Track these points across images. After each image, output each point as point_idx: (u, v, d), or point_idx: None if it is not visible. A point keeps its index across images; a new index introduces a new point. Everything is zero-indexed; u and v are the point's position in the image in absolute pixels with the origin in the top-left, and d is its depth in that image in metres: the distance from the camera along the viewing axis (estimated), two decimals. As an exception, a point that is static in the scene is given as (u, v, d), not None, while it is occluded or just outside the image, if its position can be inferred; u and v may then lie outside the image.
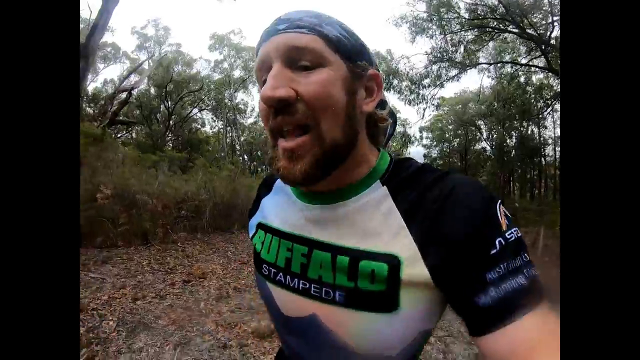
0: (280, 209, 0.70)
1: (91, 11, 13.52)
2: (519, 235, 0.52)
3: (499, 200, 0.54)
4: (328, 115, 0.53)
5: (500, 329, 0.47)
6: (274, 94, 0.51)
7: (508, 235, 0.51)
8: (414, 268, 0.53)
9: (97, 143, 7.78)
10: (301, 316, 0.62)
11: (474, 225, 0.51)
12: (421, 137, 29.92)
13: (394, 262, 0.53)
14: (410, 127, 30.18)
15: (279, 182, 0.75)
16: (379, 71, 0.62)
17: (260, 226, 0.73)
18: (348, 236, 0.58)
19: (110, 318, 3.30)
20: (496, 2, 12.02)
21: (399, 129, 30.50)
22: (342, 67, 0.55)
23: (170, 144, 22.80)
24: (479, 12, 12.45)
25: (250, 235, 0.78)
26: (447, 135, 28.00)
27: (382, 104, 0.66)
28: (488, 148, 25.81)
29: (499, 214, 0.52)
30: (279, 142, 0.55)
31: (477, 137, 26.07)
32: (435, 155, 29.32)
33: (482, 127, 24.66)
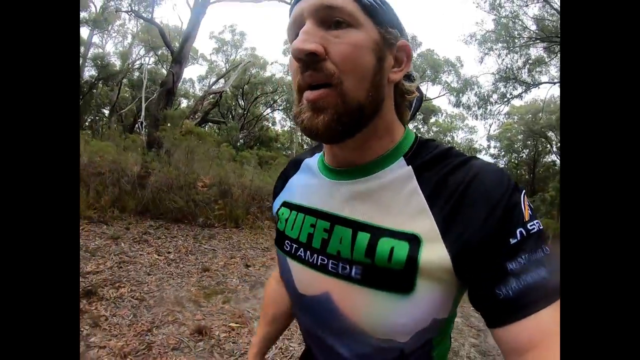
0: (307, 186, 0.70)
1: (182, 22, 15.30)
2: (541, 227, 0.51)
3: (523, 190, 0.53)
4: (354, 76, 0.53)
5: (519, 321, 0.47)
6: (304, 46, 0.51)
7: (530, 226, 0.50)
8: (434, 250, 0.52)
9: (196, 138, 9.01)
10: (315, 294, 0.63)
11: (496, 213, 0.50)
12: (488, 147, 29.19)
13: (414, 242, 0.53)
14: (477, 141, 29.63)
15: (306, 161, 0.75)
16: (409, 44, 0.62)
17: (285, 204, 0.73)
18: (370, 213, 0.58)
19: (231, 277, 4.31)
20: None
21: (466, 136, 30.12)
22: (374, 32, 0.55)
23: (242, 140, 24.39)
24: (546, 24, 12.44)
25: (274, 211, 0.78)
26: (515, 146, 26.87)
27: (410, 77, 0.65)
28: (558, 161, 24.67)
29: (522, 204, 0.51)
30: (304, 94, 0.55)
31: (547, 149, 24.95)
32: (503, 165, 28.15)
33: (552, 139, 23.62)
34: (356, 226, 0.59)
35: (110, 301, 3.33)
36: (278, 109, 27.27)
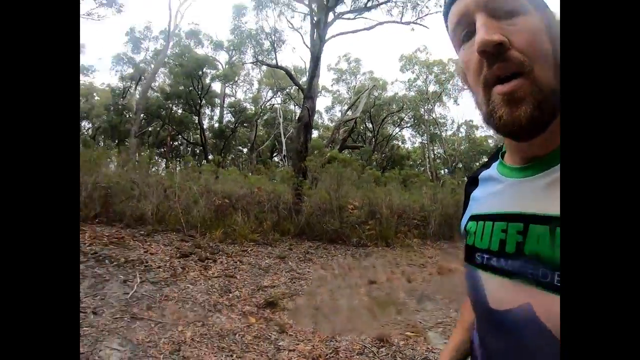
0: (492, 194, 0.67)
1: (304, 62, 16.81)
2: None
3: None
4: (541, 61, 0.52)
5: None
6: (490, 37, 0.51)
7: None
8: None
9: (341, 164, 9.58)
10: (512, 307, 0.56)
11: None
12: None
13: None
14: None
15: (483, 174, 0.74)
16: None
17: (472, 217, 0.71)
18: None
19: (397, 291, 4.55)
20: None
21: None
22: (538, 15, 0.55)
23: (374, 162, 24.87)
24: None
25: (462, 229, 0.76)
26: None
27: None
28: None
29: None
30: (495, 88, 0.53)
31: None
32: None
33: None
34: (553, 222, 0.51)
35: (292, 311, 3.79)
36: (406, 127, 27.25)
